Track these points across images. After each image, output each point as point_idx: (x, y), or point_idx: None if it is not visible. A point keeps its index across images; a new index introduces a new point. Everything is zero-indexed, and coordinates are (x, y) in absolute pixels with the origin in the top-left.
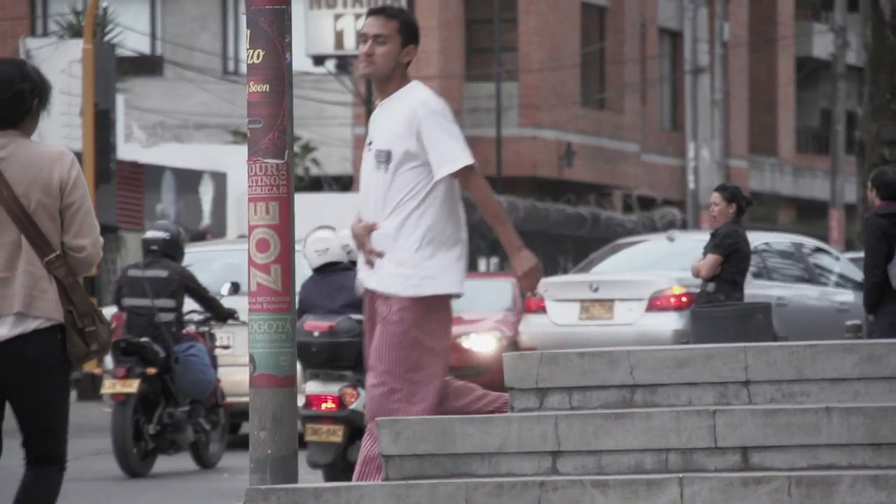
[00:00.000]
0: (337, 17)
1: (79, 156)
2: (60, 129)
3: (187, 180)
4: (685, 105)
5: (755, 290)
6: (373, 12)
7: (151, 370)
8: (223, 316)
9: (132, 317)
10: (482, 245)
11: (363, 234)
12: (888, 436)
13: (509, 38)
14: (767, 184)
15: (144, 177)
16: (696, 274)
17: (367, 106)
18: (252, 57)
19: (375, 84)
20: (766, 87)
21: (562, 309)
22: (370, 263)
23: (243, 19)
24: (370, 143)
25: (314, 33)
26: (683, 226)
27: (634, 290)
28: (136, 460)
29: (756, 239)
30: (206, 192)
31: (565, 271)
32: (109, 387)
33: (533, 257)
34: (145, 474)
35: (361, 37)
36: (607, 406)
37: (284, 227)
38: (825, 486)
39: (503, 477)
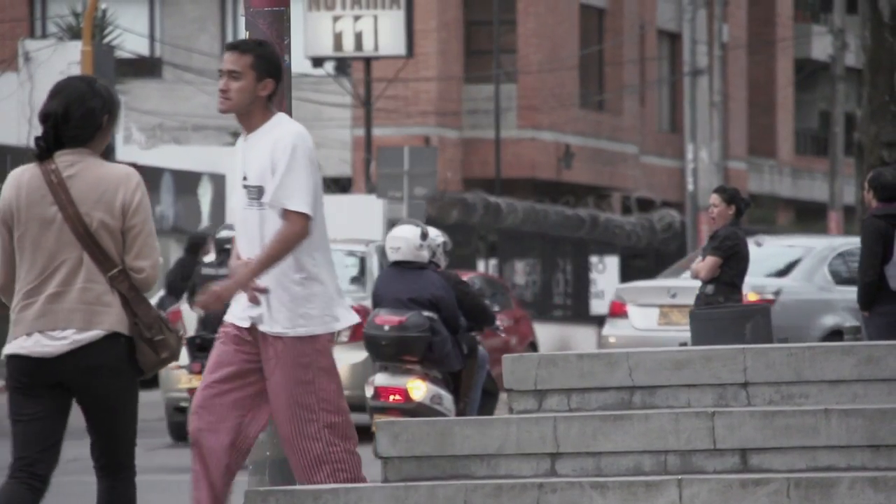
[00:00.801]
0: (335, 18)
1: None
2: None
3: (186, 182)
4: (684, 107)
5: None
6: (228, 47)
7: None
8: None
9: (207, 314)
10: (481, 247)
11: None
12: (887, 437)
13: (508, 39)
14: (766, 185)
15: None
16: (695, 276)
17: (366, 108)
18: None
19: (238, 120)
20: (764, 88)
21: (642, 314)
22: (255, 301)
23: (242, 21)
24: (245, 179)
25: (313, 35)
26: (682, 227)
27: None
28: None
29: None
30: (205, 194)
31: (564, 273)
32: (186, 381)
33: (229, 290)
34: None
35: (219, 73)
36: (606, 408)
37: None
38: (824, 488)
39: (502, 478)
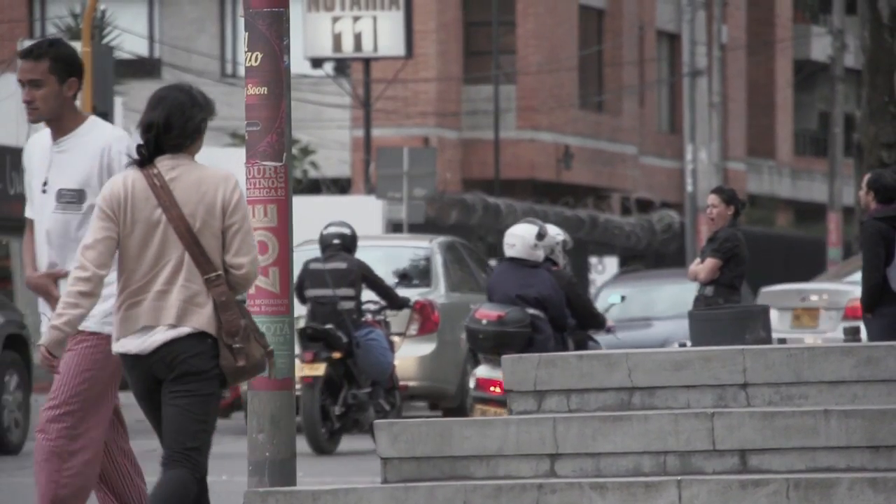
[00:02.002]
0: (335, 19)
1: None
2: None
3: None
4: (683, 107)
5: None
6: (21, 55)
7: (336, 354)
8: (399, 304)
9: (315, 306)
10: (480, 248)
11: (47, 284)
12: (886, 438)
13: (507, 40)
14: (766, 186)
15: None
16: (694, 278)
17: (365, 108)
18: (250, 60)
19: (48, 126)
20: (764, 89)
21: (778, 317)
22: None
23: (241, 22)
24: (46, 184)
25: (312, 36)
26: (681, 228)
27: (834, 300)
28: (323, 439)
29: None
30: None
31: None
32: (298, 370)
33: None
34: (332, 452)
35: (19, 83)
36: (605, 408)
37: (283, 230)
38: (823, 489)
39: (501, 479)
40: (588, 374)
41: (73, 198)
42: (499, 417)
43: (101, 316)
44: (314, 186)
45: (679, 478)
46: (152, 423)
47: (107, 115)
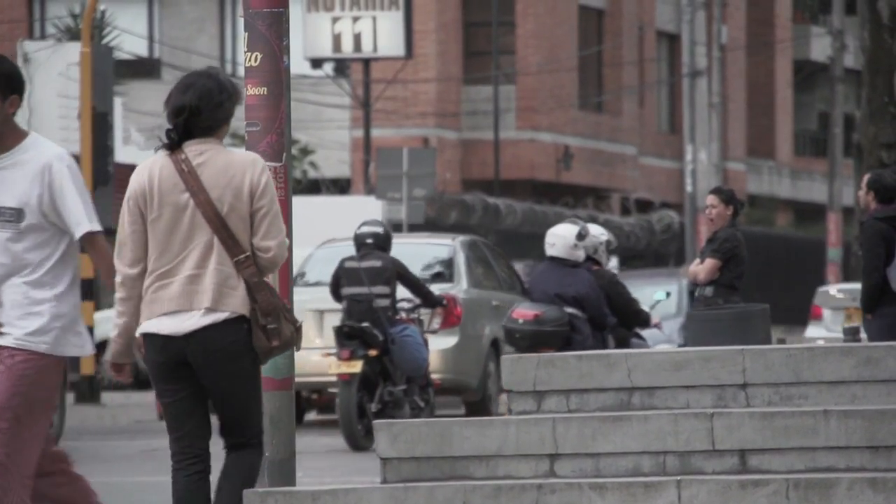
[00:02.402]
0: (335, 20)
1: (76, 158)
2: (58, 132)
3: None
4: (683, 108)
5: None
6: None
7: (372, 352)
8: (433, 302)
9: (351, 304)
10: None
11: None
12: (886, 438)
13: (507, 41)
14: (765, 187)
15: None
16: (694, 278)
17: (365, 109)
18: (250, 60)
19: None
20: (763, 89)
21: (833, 317)
22: None
23: (241, 22)
24: None
25: (312, 36)
26: (681, 228)
27: None
28: (360, 436)
29: None
30: None
31: None
32: (335, 367)
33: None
34: (368, 448)
35: None
36: (605, 409)
37: None
38: (823, 489)
39: (501, 479)
40: (587, 374)
41: (11, 216)
42: (498, 418)
43: (25, 332)
44: (314, 187)
45: (678, 478)
46: (169, 405)
47: (106, 115)
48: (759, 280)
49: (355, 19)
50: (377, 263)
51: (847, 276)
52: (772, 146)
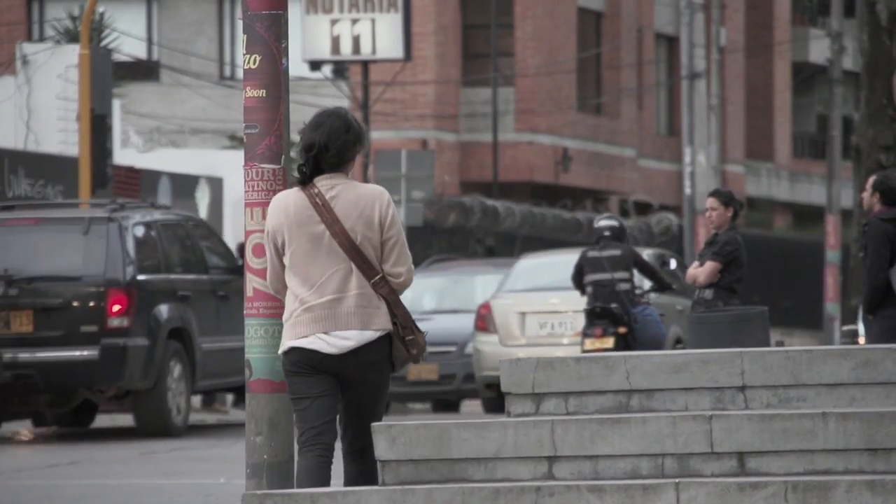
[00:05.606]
0: (333, 22)
1: (75, 161)
2: (57, 135)
3: (183, 185)
4: (681, 110)
5: None
6: None
7: (621, 329)
8: (665, 286)
9: (597, 288)
10: (478, 250)
11: None
12: (884, 441)
13: (506, 43)
14: (764, 189)
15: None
16: (693, 281)
17: (363, 111)
18: (248, 62)
19: None
20: (762, 92)
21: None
22: None
23: (240, 24)
24: None
25: (310, 38)
26: (680, 231)
27: None
28: None
29: None
30: (203, 198)
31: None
32: (590, 345)
33: None
34: None
35: None
36: (603, 411)
37: None
38: (821, 492)
39: (499, 482)
40: (586, 376)
41: None
42: (496, 420)
43: None
44: None
45: (677, 480)
46: (308, 407)
47: (105, 117)
48: (757, 282)
49: (354, 21)
50: (617, 252)
51: (845, 279)
52: (770, 148)
